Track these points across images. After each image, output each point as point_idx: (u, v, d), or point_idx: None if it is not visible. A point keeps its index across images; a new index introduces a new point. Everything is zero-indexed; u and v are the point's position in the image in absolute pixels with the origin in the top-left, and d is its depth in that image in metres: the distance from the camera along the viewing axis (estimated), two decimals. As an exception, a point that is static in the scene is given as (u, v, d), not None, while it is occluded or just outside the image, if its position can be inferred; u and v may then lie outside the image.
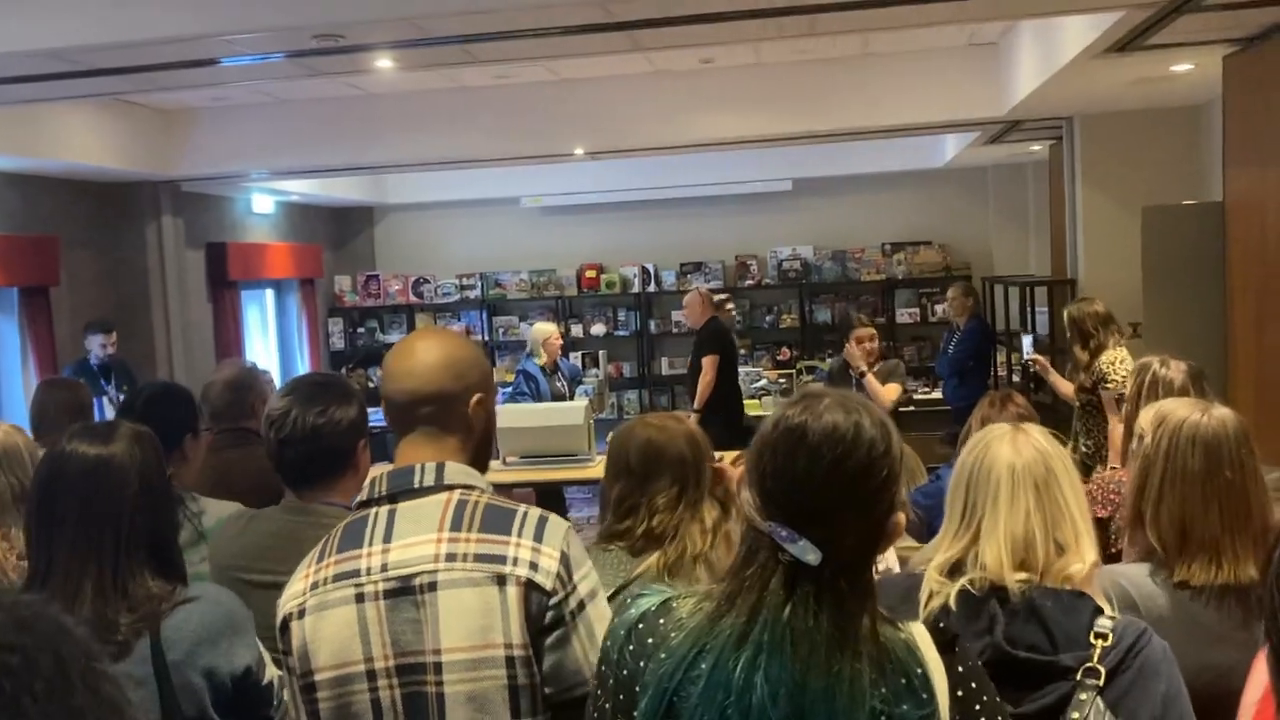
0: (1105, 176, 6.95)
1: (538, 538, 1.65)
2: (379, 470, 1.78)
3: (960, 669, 1.30)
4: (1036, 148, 8.70)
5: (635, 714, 1.32)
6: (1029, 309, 7.99)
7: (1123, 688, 1.56)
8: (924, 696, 1.25)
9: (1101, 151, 6.97)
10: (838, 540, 1.27)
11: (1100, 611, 1.63)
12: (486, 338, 10.61)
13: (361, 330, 10.88)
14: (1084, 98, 6.38)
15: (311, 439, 2.24)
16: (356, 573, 1.66)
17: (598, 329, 10.59)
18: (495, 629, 1.60)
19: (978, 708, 1.29)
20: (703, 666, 1.28)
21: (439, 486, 1.69)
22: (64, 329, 7.07)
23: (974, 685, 1.30)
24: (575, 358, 10.00)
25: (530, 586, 1.61)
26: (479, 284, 10.66)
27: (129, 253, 7.87)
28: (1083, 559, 1.68)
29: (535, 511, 1.70)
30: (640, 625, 1.37)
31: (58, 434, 3.25)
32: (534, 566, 1.62)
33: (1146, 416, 2.08)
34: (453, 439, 1.74)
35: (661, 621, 1.35)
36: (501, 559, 1.62)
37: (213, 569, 2.33)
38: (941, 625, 1.34)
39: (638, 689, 1.33)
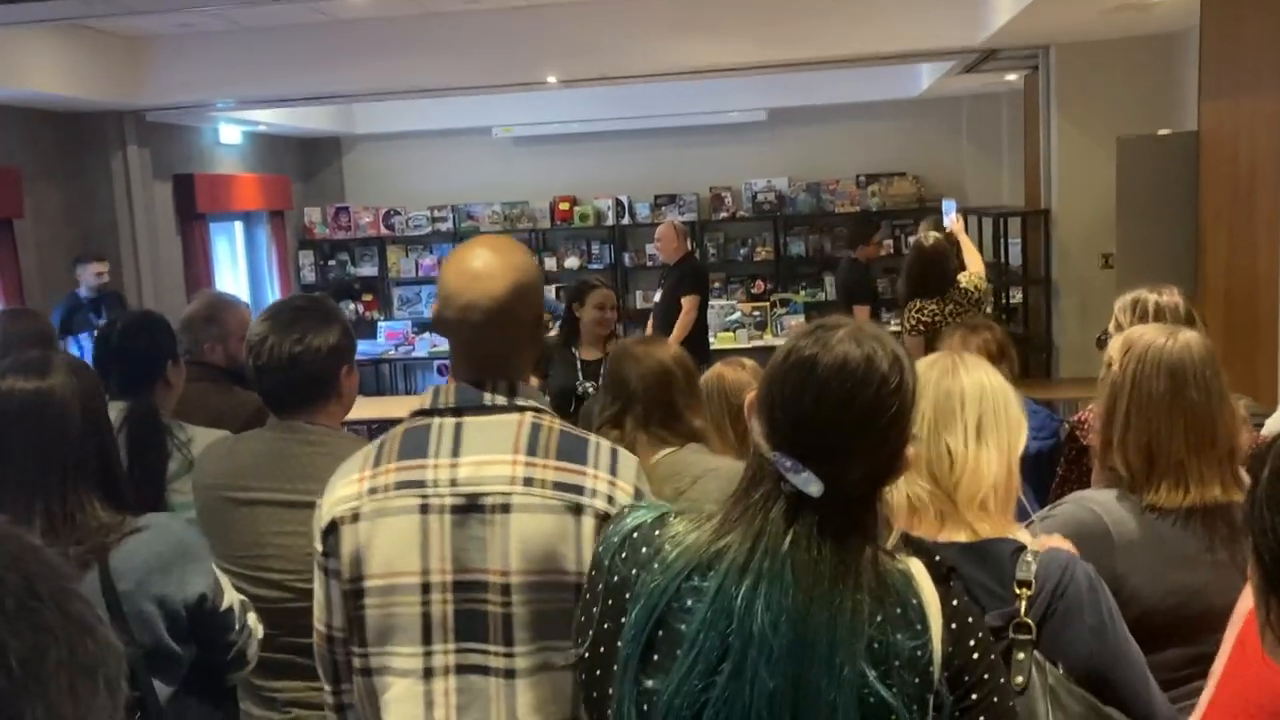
0: (1080, 106, 6.94)
1: (612, 470, 1.66)
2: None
3: (955, 603, 1.30)
4: (1012, 78, 8.66)
5: (623, 620, 1.33)
6: (1002, 240, 8.01)
7: (1053, 632, 1.54)
8: (918, 627, 1.25)
9: (1077, 81, 6.95)
10: (843, 474, 1.26)
11: (1019, 551, 1.59)
12: (459, 270, 10.50)
13: (333, 263, 10.77)
14: (1060, 26, 6.34)
15: (289, 367, 2.21)
16: (422, 483, 1.64)
17: (571, 262, 10.53)
18: (567, 557, 1.61)
19: (971, 643, 1.29)
20: (695, 581, 1.28)
21: (510, 407, 1.68)
22: (30, 262, 6.95)
23: (970, 620, 1.30)
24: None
25: (606, 519, 1.61)
26: (450, 216, 10.55)
27: (95, 184, 7.72)
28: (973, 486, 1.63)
29: (605, 443, 1.71)
30: (635, 535, 1.38)
31: None
32: (610, 500, 1.63)
33: (1115, 344, 2.08)
34: (519, 358, 1.73)
35: (657, 533, 1.36)
36: (579, 489, 1.63)
37: (197, 490, 2.32)
38: (938, 559, 1.34)
39: (628, 596, 1.34)
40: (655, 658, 1.29)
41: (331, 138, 10.84)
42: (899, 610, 1.25)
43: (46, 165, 7.32)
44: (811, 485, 1.25)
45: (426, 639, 1.64)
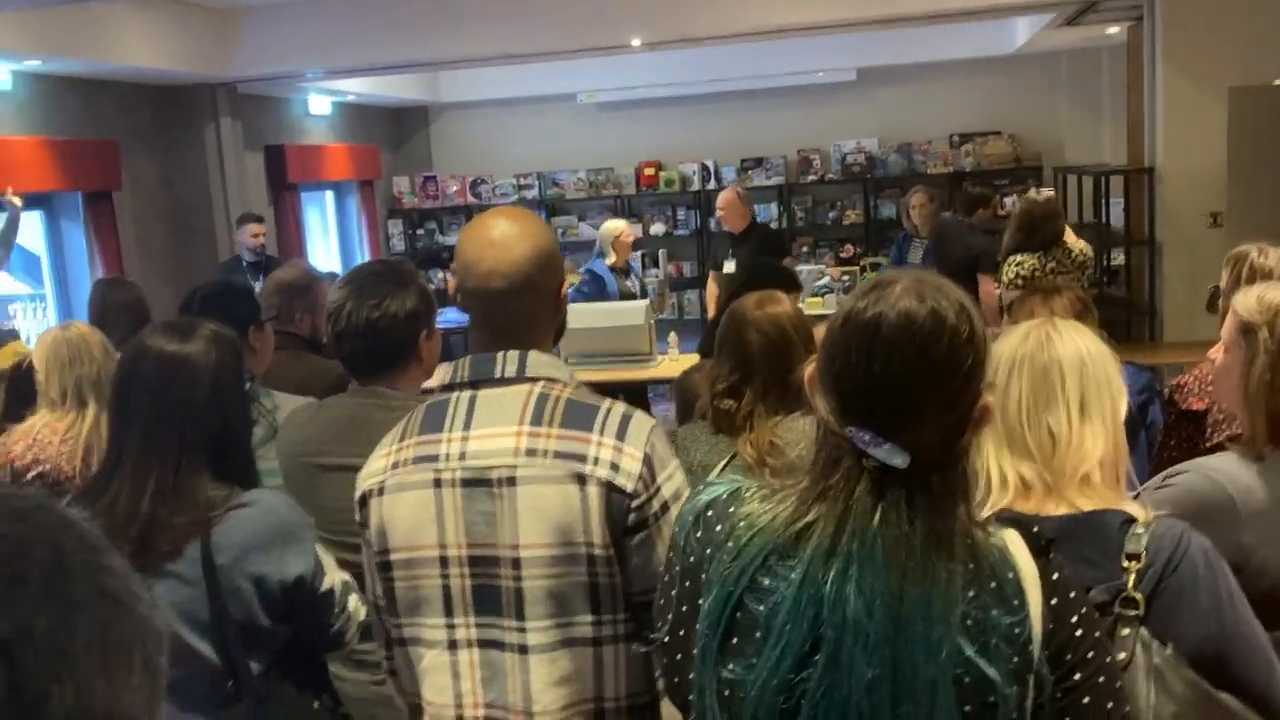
0: (1189, 56, 6.60)
1: (620, 436, 1.60)
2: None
3: (1055, 576, 1.21)
4: (1114, 30, 8.31)
5: (700, 602, 1.28)
6: (1103, 200, 7.71)
7: (1164, 610, 1.44)
8: (1015, 603, 1.17)
9: (1186, 30, 6.61)
10: (925, 438, 1.18)
11: (1130, 522, 1.49)
12: (545, 238, 10.51)
13: (421, 231, 10.86)
14: (1169, -27, 6.04)
15: (367, 333, 2.20)
16: (435, 457, 1.64)
17: (657, 228, 10.46)
18: (576, 528, 1.57)
19: (1074, 619, 1.20)
20: (774, 565, 1.22)
21: (521, 378, 1.64)
22: (128, 233, 7.13)
23: (1072, 595, 1.22)
24: (635, 258, 9.89)
25: (611, 488, 1.57)
26: (536, 184, 10.56)
27: (189, 156, 7.87)
28: (1084, 455, 1.54)
29: (619, 408, 1.65)
30: (709, 512, 1.32)
31: (115, 333, 3.33)
32: (615, 467, 1.57)
33: (1247, 305, 1.94)
34: (539, 328, 1.70)
35: (731, 510, 1.29)
36: (582, 458, 1.58)
37: (281, 456, 2.32)
38: (1035, 530, 1.25)
39: (703, 577, 1.29)
40: (734, 642, 1.24)
41: (419, 107, 10.91)
42: (994, 585, 1.18)
43: (142, 138, 7.48)
44: (896, 457, 1.17)
45: (448, 612, 1.63)
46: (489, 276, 1.64)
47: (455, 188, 10.67)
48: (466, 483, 1.61)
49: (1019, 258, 4.92)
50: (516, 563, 1.59)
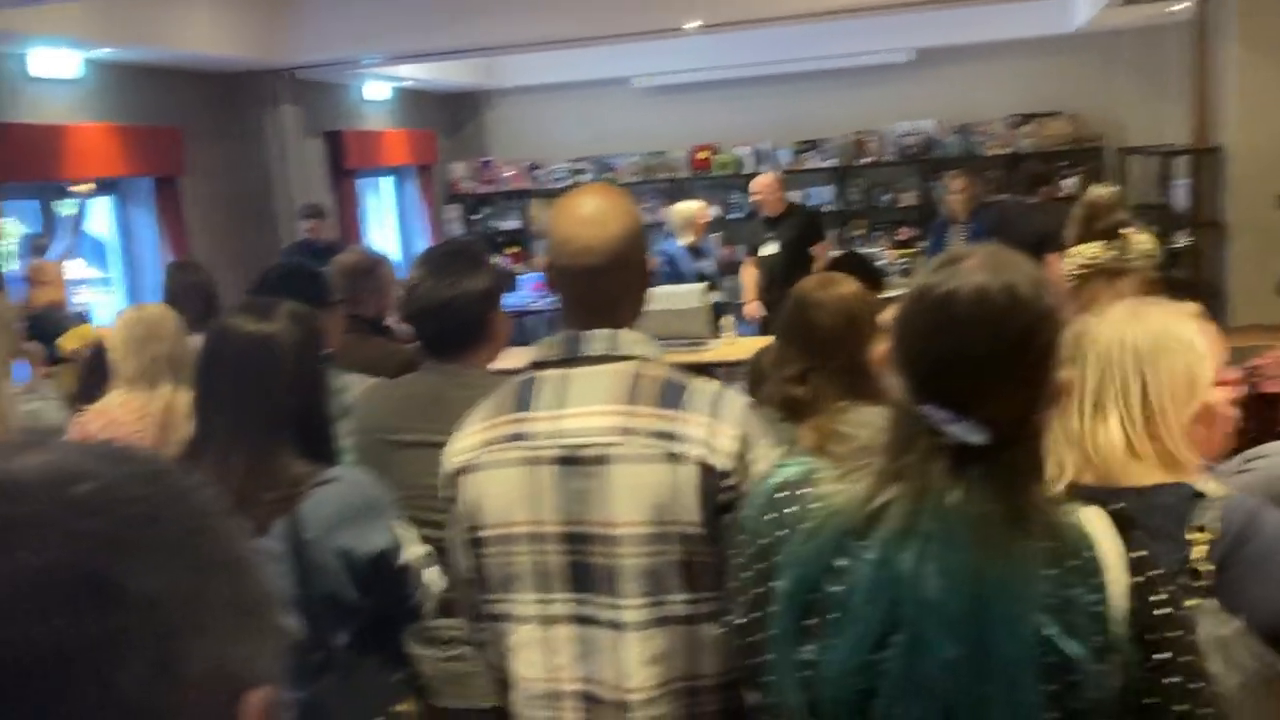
0: (1263, 32, 6.45)
1: (714, 414, 1.59)
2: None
3: (1137, 554, 1.19)
4: (1177, 7, 8.12)
5: (773, 584, 1.27)
6: (1168, 181, 7.58)
7: (1236, 582, 1.40)
8: (1096, 581, 1.15)
9: (1260, 4, 6.45)
10: (1002, 414, 1.17)
11: (1198, 496, 1.46)
12: (600, 222, 10.53)
13: (478, 216, 10.93)
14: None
15: (443, 311, 2.24)
16: (529, 435, 1.64)
17: (710, 211, 10.41)
18: (671, 507, 1.57)
19: (1158, 598, 1.18)
20: (850, 546, 1.21)
21: (613, 356, 1.65)
22: (194, 218, 7.25)
23: (1156, 572, 1.19)
24: (708, 239, 9.87)
25: (705, 466, 1.56)
26: (591, 168, 10.57)
27: (250, 142, 7.99)
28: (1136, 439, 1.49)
29: (712, 386, 1.65)
30: (781, 494, 1.30)
31: (186, 314, 3.40)
32: (709, 446, 1.57)
33: None
34: (628, 305, 1.70)
35: (804, 491, 1.28)
36: (677, 436, 1.58)
37: (357, 435, 2.36)
38: (1116, 507, 1.23)
39: (776, 559, 1.28)
40: (811, 623, 1.23)
41: (474, 92, 10.95)
42: (1074, 563, 1.16)
43: (205, 125, 7.59)
44: (974, 435, 1.16)
45: (542, 588, 1.64)
46: (581, 254, 1.64)
47: (511, 172, 10.72)
48: (561, 460, 1.61)
49: (1078, 248, 4.85)
50: (611, 540, 1.59)
